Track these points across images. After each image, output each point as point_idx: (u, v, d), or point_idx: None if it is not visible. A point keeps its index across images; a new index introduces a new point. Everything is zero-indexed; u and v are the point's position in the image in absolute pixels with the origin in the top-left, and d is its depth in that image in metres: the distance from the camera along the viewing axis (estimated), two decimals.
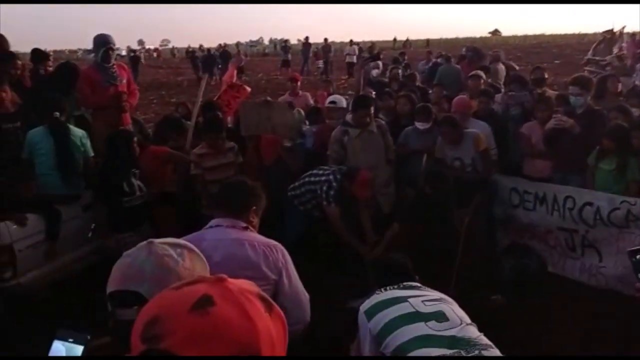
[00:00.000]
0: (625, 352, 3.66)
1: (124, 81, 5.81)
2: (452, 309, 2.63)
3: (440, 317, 2.57)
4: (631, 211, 4.69)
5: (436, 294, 2.73)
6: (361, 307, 2.70)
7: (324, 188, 4.94)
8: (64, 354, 1.16)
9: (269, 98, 5.55)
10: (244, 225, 2.55)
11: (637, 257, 1.86)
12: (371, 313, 2.63)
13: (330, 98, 6.04)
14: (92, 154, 5.01)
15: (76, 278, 4.82)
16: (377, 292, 2.79)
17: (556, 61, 27.21)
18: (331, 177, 4.94)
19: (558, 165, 5.52)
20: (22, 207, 4.41)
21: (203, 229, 2.61)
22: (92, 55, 5.99)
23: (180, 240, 1.46)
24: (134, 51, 33.68)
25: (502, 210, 5.70)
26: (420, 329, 2.50)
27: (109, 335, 1.43)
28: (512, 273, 5.05)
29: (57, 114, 4.82)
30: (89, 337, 1.17)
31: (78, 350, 1.16)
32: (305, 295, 2.60)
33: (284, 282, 2.50)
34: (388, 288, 2.78)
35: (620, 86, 6.10)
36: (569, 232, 5.23)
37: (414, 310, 2.57)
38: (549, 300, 4.73)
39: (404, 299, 2.63)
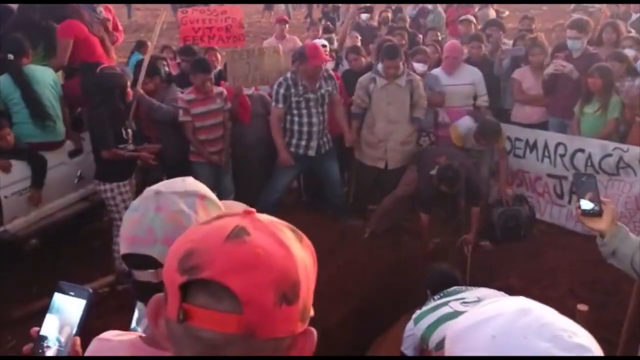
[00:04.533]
0: (611, 299, 3.76)
1: (110, 22, 5.57)
2: None
3: None
4: (623, 158, 4.73)
5: (476, 294, 2.95)
6: (413, 315, 3.07)
7: (275, 87, 5.04)
8: (66, 308, 1.13)
9: (258, 47, 5.30)
10: None
11: (582, 179, 2.05)
12: (417, 320, 2.99)
13: (320, 41, 5.87)
14: (61, 93, 4.76)
15: (65, 226, 4.77)
16: (425, 304, 3.13)
17: (544, 7, 26.84)
18: (281, 78, 5.04)
19: (555, 111, 5.53)
20: (4, 155, 4.27)
21: None
22: None
23: (190, 187, 1.32)
24: None
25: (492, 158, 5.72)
26: None
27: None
28: (501, 219, 5.11)
29: (11, 56, 4.50)
30: (91, 291, 1.14)
31: (81, 304, 1.13)
32: None
33: None
34: (435, 298, 3.11)
35: (616, 34, 6.01)
36: (558, 179, 5.29)
37: (452, 310, 2.83)
38: (539, 247, 4.82)
39: (445, 304, 2.92)
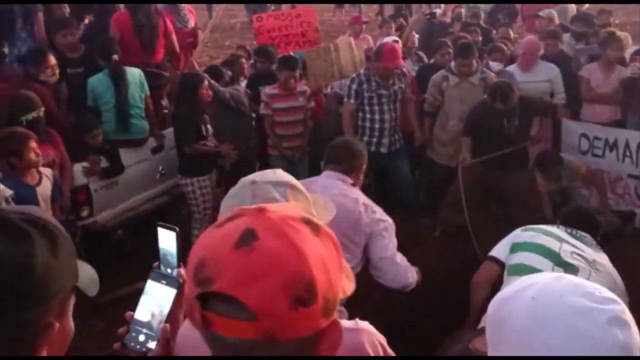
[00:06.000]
0: None
1: (192, 24, 5.85)
2: (593, 276, 2.50)
3: (571, 269, 2.48)
4: None
5: (596, 257, 2.67)
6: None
7: (348, 83, 5.08)
8: (158, 295, 1.17)
9: (332, 43, 5.42)
10: (352, 182, 2.91)
11: None
12: (527, 229, 2.76)
13: (391, 38, 5.92)
14: (148, 91, 5.01)
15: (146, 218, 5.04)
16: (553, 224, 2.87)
17: None
18: (354, 74, 5.09)
19: (635, 109, 5.35)
20: (94, 152, 4.57)
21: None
22: None
23: (282, 177, 1.44)
24: None
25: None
26: (543, 264, 2.51)
27: None
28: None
29: (116, 57, 4.76)
30: (181, 281, 1.17)
31: (171, 293, 1.17)
32: (401, 261, 2.95)
33: (377, 243, 2.84)
34: (561, 227, 2.80)
35: None
36: None
37: (556, 251, 2.59)
38: (620, 250, 4.62)
39: (560, 239, 2.66)
